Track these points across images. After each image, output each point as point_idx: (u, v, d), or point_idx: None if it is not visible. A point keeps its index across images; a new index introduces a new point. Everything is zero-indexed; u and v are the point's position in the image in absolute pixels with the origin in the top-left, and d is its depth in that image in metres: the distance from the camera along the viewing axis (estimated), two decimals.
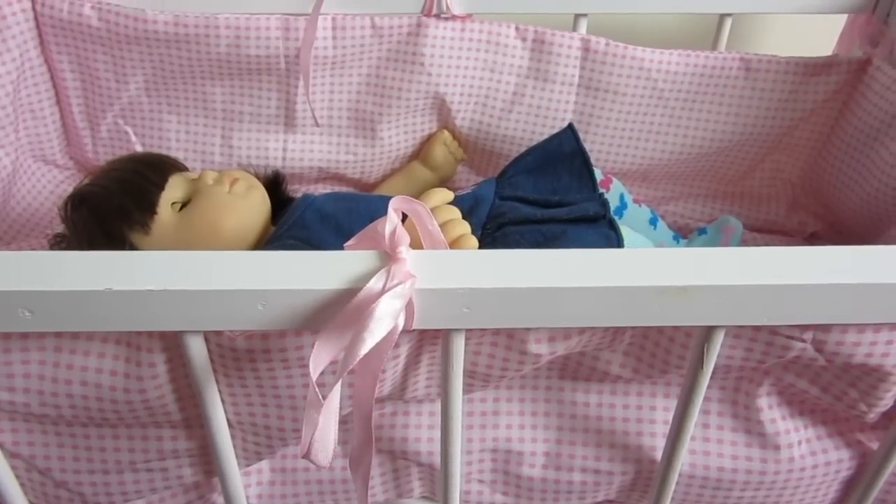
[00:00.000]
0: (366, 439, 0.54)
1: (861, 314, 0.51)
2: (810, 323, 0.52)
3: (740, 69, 0.91)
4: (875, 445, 0.65)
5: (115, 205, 0.75)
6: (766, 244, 0.92)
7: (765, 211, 1.00)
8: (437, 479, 0.66)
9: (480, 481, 0.66)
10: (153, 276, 0.49)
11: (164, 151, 0.91)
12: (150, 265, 0.50)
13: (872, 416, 0.61)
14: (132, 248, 0.75)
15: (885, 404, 0.59)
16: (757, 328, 0.55)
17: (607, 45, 0.88)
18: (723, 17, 0.93)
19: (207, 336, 0.54)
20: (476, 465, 0.65)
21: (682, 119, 0.93)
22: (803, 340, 0.54)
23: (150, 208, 0.75)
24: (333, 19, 0.84)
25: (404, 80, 0.88)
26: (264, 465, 0.64)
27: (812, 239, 0.99)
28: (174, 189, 0.76)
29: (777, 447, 0.63)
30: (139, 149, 0.92)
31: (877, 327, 0.54)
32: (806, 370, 0.60)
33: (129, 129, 0.91)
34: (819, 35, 0.99)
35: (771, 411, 0.63)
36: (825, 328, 0.54)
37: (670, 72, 0.91)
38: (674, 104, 0.92)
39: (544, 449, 0.64)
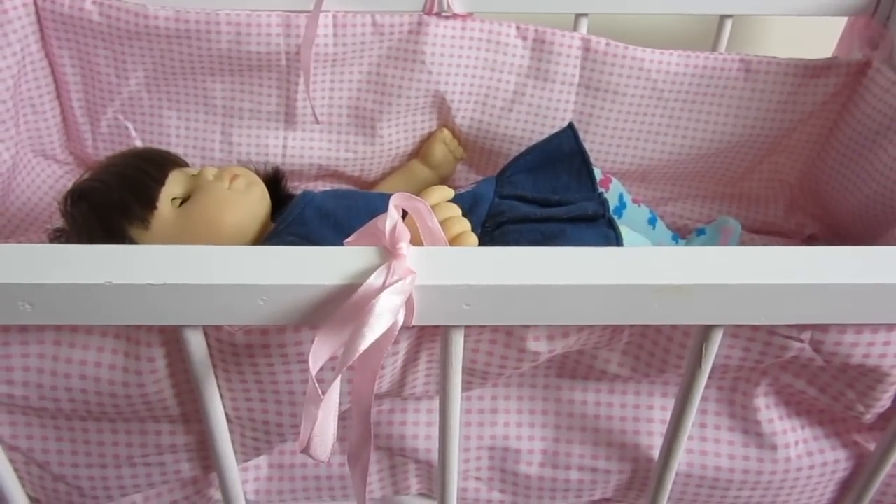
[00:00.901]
0: (364, 435, 0.54)
1: (859, 314, 0.51)
2: (808, 323, 0.52)
3: (740, 70, 0.91)
4: (872, 446, 0.65)
5: (114, 200, 0.75)
6: (765, 245, 0.92)
7: (763, 212, 1.00)
8: (435, 476, 0.66)
9: (478, 479, 0.66)
10: (153, 270, 0.49)
11: (164, 147, 0.91)
12: (150, 259, 0.50)
13: (869, 416, 0.61)
14: (132, 243, 0.75)
15: (882, 405, 0.59)
16: (755, 328, 0.55)
17: (608, 45, 0.88)
18: (723, 18, 0.93)
19: (207, 331, 0.54)
20: (474, 463, 0.65)
21: (681, 119, 0.93)
22: (801, 340, 0.54)
23: (150, 203, 0.75)
24: (335, 16, 0.85)
25: (405, 78, 0.89)
26: (262, 460, 0.64)
27: (810, 241, 0.99)
28: (174, 185, 0.77)
29: (774, 447, 0.63)
30: (139, 144, 0.93)
31: (874, 328, 0.54)
32: (804, 370, 0.60)
33: (130, 125, 0.92)
34: (819, 37, 0.99)
35: (768, 411, 0.63)
36: (823, 328, 0.54)
37: (670, 72, 0.90)
38: (673, 104, 0.92)
39: (542, 447, 0.64)
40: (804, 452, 0.64)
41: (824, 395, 0.61)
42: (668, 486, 0.63)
